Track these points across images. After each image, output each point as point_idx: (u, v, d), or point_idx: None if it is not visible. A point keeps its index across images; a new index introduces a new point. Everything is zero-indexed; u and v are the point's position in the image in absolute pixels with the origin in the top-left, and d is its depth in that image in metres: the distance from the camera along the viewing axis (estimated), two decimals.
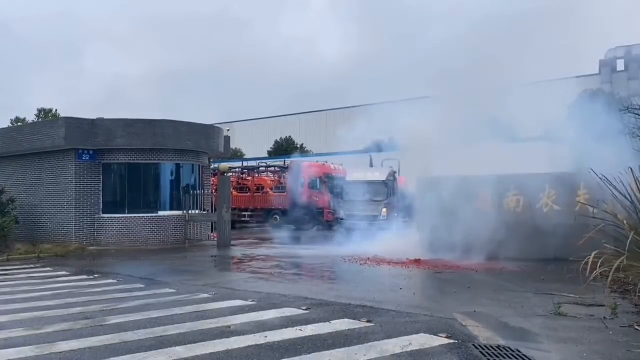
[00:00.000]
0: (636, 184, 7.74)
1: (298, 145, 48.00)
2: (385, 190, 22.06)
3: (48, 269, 13.22)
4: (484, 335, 6.26)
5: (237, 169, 30.76)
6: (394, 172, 23.72)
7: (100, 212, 18.46)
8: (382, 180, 22.23)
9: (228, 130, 24.79)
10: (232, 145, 29.15)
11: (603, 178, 8.02)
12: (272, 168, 31.06)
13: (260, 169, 31.41)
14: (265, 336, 6.27)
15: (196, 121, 20.12)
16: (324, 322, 6.97)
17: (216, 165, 27.48)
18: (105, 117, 18.87)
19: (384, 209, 21.50)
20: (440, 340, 6.02)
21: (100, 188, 18.57)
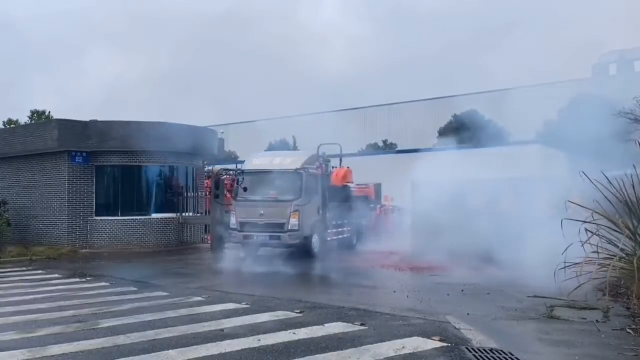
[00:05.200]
0: (632, 186, 7.80)
1: (292, 148, 47.90)
2: (299, 185, 14.38)
3: (40, 271, 13.15)
4: (477, 338, 6.28)
5: (231, 171, 30.61)
6: (325, 161, 16.47)
7: (93, 215, 18.37)
8: (295, 170, 14.48)
9: (222, 132, 24.73)
10: (227, 148, 29.05)
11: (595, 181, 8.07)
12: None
13: None
14: (259, 339, 6.26)
15: (193, 123, 20.08)
16: (318, 325, 6.96)
17: (210, 167, 27.39)
18: (102, 119, 18.82)
19: (295, 214, 14.11)
20: (434, 344, 6.03)
21: (93, 190, 18.48)
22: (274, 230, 14.29)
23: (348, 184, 18.01)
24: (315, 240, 14.88)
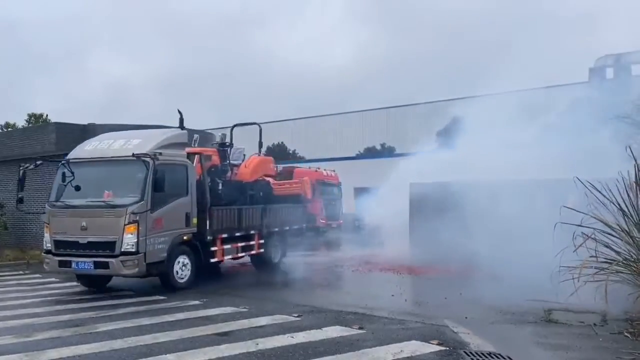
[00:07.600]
0: (629, 189, 7.79)
1: (290, 151, 48.00)
2: (142, 180, 9.42)
3: (37, 275, 13.10)
4: (476, 342, 6.28)
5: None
6: (221, 146, 12.64)
7: None
8: (135, 157, 9.44)
9: (221, 135, 24.66)
10: None
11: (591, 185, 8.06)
12: None
13: None
14: (257, 343, 6.25)
15: (194, 126, 20.01)
16: (316, 329, 6.96)
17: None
18: (101, 122, 18.78)
19: (131, 227, 9.23)
20: (432, 348, 6.03)
21: None
22: (101, 254, 9.42)
23: (267, 178, 13.63)
24: (180, 266, 10.16)
